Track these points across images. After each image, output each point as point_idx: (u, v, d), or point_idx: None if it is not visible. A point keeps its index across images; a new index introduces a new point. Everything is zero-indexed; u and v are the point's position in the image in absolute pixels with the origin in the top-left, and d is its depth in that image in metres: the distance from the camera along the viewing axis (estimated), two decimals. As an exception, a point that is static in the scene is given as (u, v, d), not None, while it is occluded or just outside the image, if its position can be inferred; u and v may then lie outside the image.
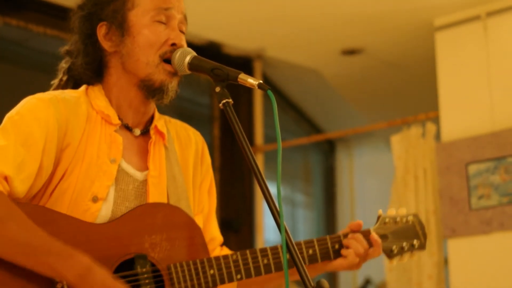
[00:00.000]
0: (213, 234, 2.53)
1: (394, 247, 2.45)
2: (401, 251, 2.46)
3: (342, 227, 8.47)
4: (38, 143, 2.14)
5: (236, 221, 6.71)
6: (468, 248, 5.56)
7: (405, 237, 2.47)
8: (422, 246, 2.49)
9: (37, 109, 2.19)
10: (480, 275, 5.51)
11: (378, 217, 2.48)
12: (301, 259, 1.95)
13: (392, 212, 2.50)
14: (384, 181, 7.24)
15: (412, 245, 2.47)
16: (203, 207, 2.49)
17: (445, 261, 5.95)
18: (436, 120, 6.04)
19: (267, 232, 6.97)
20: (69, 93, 2.31)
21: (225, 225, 6.49)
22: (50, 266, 2.03)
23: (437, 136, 6.03)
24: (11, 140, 2.12)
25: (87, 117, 2.27)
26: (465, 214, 5.57)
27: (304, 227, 8.26)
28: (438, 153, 5.79)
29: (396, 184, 6.14)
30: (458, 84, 5.85)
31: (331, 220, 8.53)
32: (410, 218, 2.50)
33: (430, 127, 6.07)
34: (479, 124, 5.66)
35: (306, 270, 1.94)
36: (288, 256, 1.91)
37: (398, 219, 2.48)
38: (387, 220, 2.47)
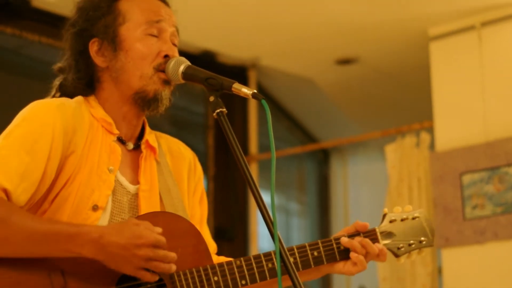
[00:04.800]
0: (207, 242, 2.53)
1: (401, 245, 2.42)
2: (409, 248, 2.43)
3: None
4: (44, 150, 2.14)
5: (230, 230, 6.71)
6: (462, 258, 5.56)
7: (412, 234, 2.45)
8: (429, 243, 2.46)
9: (44, 115, 2.19)
10: (473, 285, 5.51)
11: (384, 216, 2.46)
12: (293, 267, 1.96)
13: (398, 209, 2.48)
14: (378, 191, 7.25)
15: (420, 242, 2.44)
16: (194, 215, 2.49)
17: (439, 271, 5.96)
18: (430, 130, 6.05)
19: (261, 241, 6.96)
20: (72, 100, 2.31)
21: (219, 234, 6.48)
22: (63, 249, 2.05)
23: (431, 145, 6.04)
24: (15, 148, 2.12)
25: (90, 125, 2.28)
26: (459, 224, 5.57)
27: (298, 235, 8.25)
28: (432, 163, 5.79)
29: (390, 194, 6.14)
30: (453, 94, 5.86)
31: (325, 229, 8.52)
32: (417, 215, 2.47)
33: (424, 136, 6.08)
34: (473, 134, 5.67)
35: (299, 278, 1.95)
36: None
37: (404, 216, 2.46)
38: (393, 218, 2.45)
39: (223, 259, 2.49)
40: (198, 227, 2.45)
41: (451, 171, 5.68)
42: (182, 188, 2.45)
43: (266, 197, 1.98)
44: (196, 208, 2.51)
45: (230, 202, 6.82)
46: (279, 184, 7.91)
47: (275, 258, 2.26)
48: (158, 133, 2.51)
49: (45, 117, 2.19)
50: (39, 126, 2.17)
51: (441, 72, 5.96)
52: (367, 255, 2.37)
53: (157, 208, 2.33)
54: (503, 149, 5.49)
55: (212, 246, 2.51)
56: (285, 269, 1.96)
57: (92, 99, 2.35)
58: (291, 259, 2.27)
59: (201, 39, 6.29)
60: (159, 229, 2.09)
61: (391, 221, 2.45)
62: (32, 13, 5.52)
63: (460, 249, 5.57)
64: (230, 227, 6.72)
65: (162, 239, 2.08)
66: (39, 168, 2.13)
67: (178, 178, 2.46)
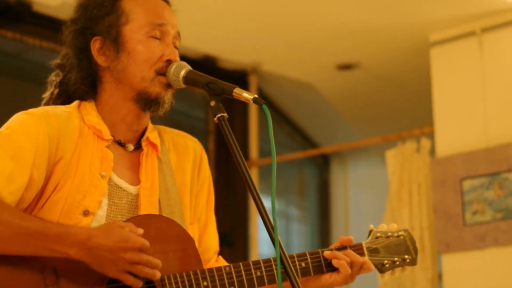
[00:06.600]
0: (208, 244, 2.53)
1: (385, 262, 2.46)
2: (393, 265, 2.47)
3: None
4: (28, 156, 2.15)
5: (231, 235, 6.70)
6: (462, 263, 5.56)
7: (397, 252, 2.49)
8: (413, 261, 2.50)
9: (27, 123, 2.20)
10: (474, 290, 5.51)
11: (370, 232, 2.49)
12: (295, 272, 1.96)
13: (383, 227, 2.51)
14: (379, 196, 7.24)
15: (404, 260, 2.48)
16: (200, 216, 2.49)
17: (439, 277, 5.95)
18: (430, 135, 6.05)
19: (262, 246, 6.96)
20: (61, 108, 2.31)
21: (219, 239, 6.47)
22: (50, 249, 2.07)
23: (432, 151, 6.04)
24: None
25: (80, 132, 2.27)
26: (459, 230, 5.57)
27: (299, 241, 8.25)
28: (433, 168, 5.79)
29: (390, 199, 6.14)
30: (453, 99, 5.86)
31: (326, 234, 8.52)
32: (402, 233, 2.52)
33: (425, 142, 6.08)
34: (474, 140, 5.67)
35: (299, 283, 1.95)
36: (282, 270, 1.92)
37: (389, 234, 2.50)
38: (378, 234, 2.49)
39: (223, 263, 2.50)
40: (203, 229, 2.46)
41: (451, 177, 5.68)
42: (185, 185, 2.45)
43: (266, 202, 1.98)
44: (201, 208, 2.52)
45: (230, 207, 6.82)
46: (280, 189, 7.90)
47: (264, 266, 2.29)
48: (163, 128, 2.50)
49: (28, 125, 2.19)
50: (22, 134, 2.17)
51: (442, 78, 5.96)
52: (352, 265, 2.38)
53: (156, 206, 2.33)
54: (503, 155, 5.49)
55: (213, 248, 2.52)
56: (285, 274, 1.96)
57: (89, 104, 2.35)
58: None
59: (202, 44, 6.29)
60: (141, 231, 2.12)
61: (376, 237, 2.49)
62: (33, 17, 5.53)
63: (460, 255, 5.57)
64: (230, 232, 6.72)
65: (147, 243, 2.10)
66: (24, 174, 2.13)
67: (181, 175, 2.45)
